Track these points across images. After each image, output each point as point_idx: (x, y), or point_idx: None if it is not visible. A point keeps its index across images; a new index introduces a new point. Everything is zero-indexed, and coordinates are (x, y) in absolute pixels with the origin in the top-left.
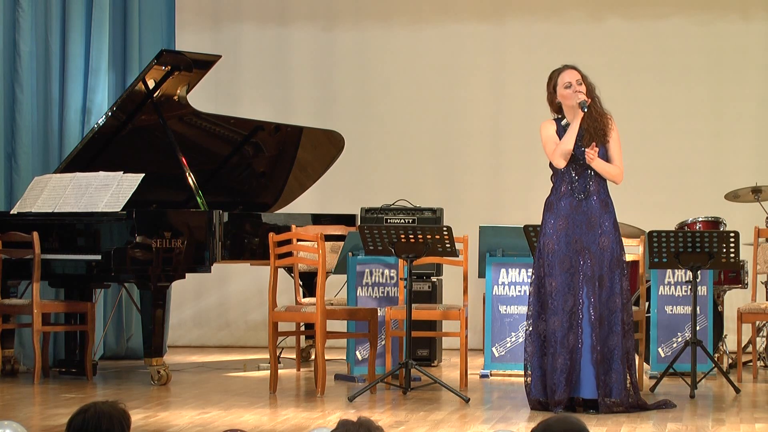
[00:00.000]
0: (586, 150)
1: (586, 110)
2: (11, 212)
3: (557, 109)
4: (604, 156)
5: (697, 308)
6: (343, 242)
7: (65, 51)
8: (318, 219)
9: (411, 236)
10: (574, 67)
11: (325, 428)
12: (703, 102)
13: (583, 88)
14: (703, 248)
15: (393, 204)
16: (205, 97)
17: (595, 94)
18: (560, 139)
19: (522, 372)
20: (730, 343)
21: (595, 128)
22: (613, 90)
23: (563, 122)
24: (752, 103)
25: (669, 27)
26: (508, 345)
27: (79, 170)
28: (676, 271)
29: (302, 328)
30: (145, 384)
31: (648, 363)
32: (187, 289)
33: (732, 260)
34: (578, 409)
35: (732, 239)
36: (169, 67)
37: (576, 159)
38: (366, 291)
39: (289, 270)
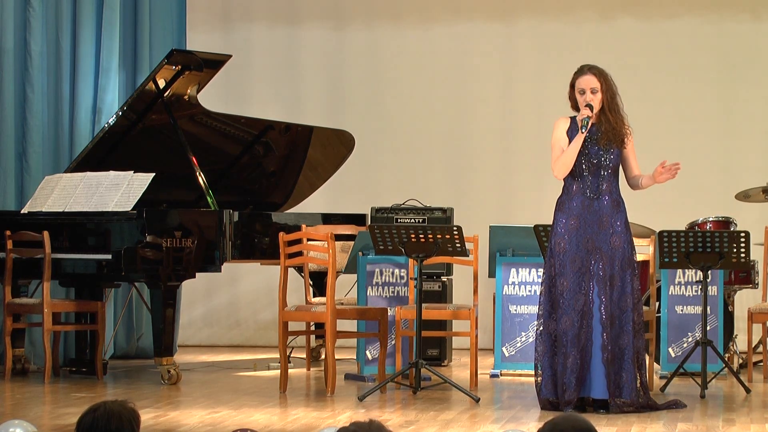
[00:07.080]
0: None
1: (584, 131)
2: (22, 211)
3: (575, 105)
4: (617, 159)
5: (708, 308)
6: (353, 242)
7: (76, 51)
8: (328, 218)
9: (421, 236)
10: (594, 73)
11: (335, 428)
12: (713, 101)
13: (596, 98)
14: (713, 248)
15: (403, 204)
16: (215, 97)
17: (616, 101)
18: (570, 139)
19: (532, 372)
20: (741, 343)
21: (614, 132)
22: (622, 90)
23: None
24: (763, 103)
25: (679, 27)
26: (519, 345)
27: (89, 170)
28: (686, 271)
29: (312, 328)
30: (155, 383)
31: (658, 363)
32: (197, 289)
33: (742, 260)
34: (588, 409)
35: (743, 239)
36: (180, 67)
37: (589, 158)
38: (376, 290)
39: (300, 269)
